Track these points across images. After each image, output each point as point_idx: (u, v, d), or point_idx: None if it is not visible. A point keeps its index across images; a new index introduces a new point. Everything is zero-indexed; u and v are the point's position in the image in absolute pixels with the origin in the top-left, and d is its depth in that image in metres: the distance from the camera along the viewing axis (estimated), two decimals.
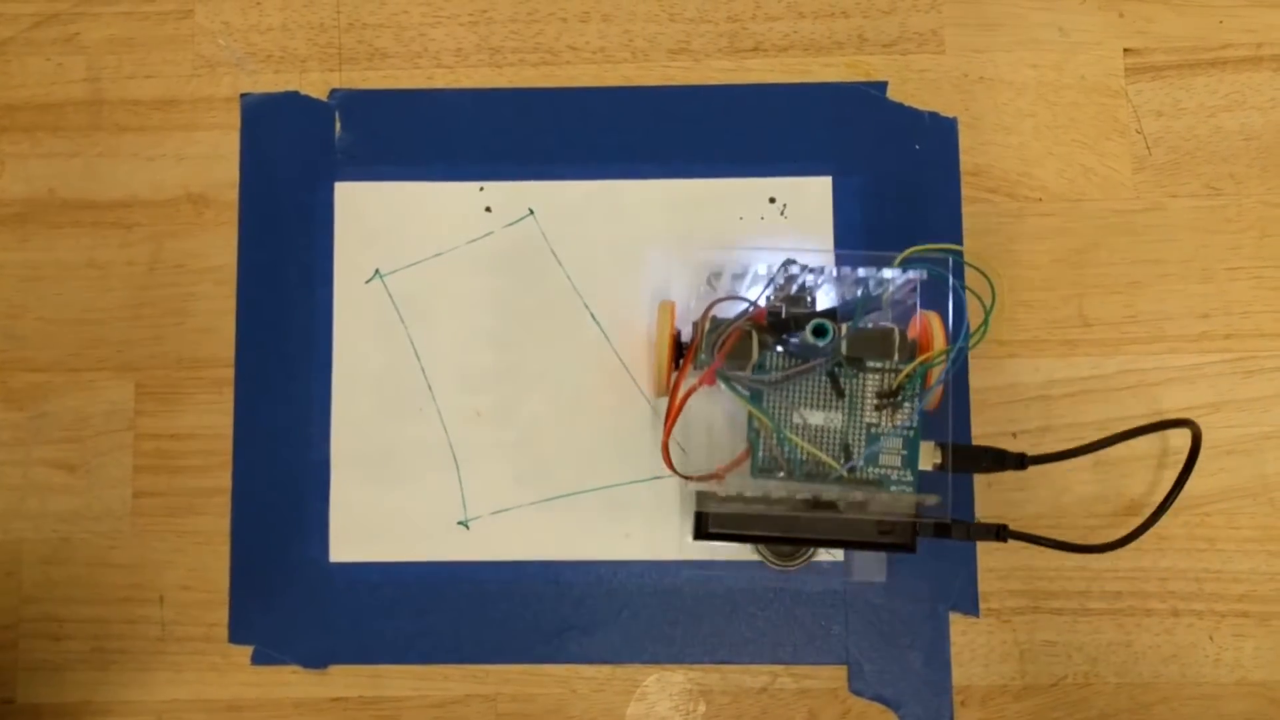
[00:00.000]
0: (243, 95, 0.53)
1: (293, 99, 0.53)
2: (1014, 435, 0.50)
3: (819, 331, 0.45)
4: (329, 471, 0.51)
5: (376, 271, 0.52)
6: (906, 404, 0.45)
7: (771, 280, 0.46)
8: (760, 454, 0.46)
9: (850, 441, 0.45)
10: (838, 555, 0.50)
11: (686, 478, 0.48)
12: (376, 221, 0.52)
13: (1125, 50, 0.52)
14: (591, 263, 0.52)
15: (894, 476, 0.45)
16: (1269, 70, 0.52)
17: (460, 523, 0.51)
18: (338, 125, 0.53)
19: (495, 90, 0.53)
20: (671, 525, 0.50)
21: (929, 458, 0.46)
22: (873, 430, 0.45)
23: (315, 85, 0.53)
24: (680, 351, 0.47)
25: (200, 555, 0.51)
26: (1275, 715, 0.49)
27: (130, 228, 0.53)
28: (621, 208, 0.52)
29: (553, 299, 0.52)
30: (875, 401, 0.45)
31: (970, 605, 0.50)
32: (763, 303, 0.46)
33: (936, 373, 0.45)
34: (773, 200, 0.52)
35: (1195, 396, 0.51)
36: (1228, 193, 0.52)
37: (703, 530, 0.46)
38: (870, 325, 0.46)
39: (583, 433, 0.51)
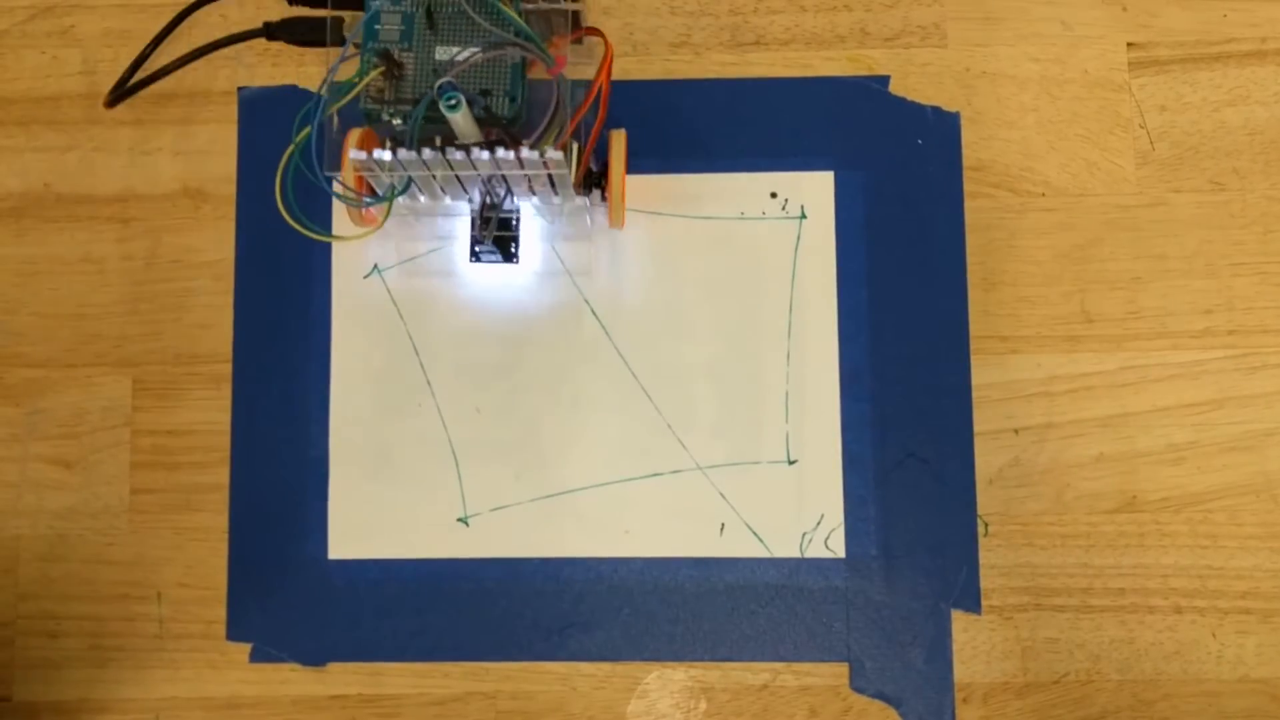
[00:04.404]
0: (240, 89, 0.53)
1: (291, 93, 0.53)
2: (1015, 432, 0.50)
3: (450, 105, 0.42)
4: (327, 468, 0.51)
5: (375, 267, 0.52)
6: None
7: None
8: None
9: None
10: (839, 552, 0.50)
11: None
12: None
13: (1129, 44, 0.52)
14: None
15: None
16: (1273, 65, 0.52)
17: (460, 519, 0.50)
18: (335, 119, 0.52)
19: None
20: (673, 522, 0.50)
21: None
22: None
23: (313, 79, 0.53)
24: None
25: (198, 552, 0.51)
26: (1277, 712, 0.49)
27: (127, 222, 0.52)
28: None
29: (552, 294, 0.51)
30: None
31: (972, 602, 0.49)
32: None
33: None
34: (774, 195, 0.51)
35: (1198, 393, 0.50)
36: (1232, 188, 0.51)
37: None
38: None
39: (582, 429, 0.51)
